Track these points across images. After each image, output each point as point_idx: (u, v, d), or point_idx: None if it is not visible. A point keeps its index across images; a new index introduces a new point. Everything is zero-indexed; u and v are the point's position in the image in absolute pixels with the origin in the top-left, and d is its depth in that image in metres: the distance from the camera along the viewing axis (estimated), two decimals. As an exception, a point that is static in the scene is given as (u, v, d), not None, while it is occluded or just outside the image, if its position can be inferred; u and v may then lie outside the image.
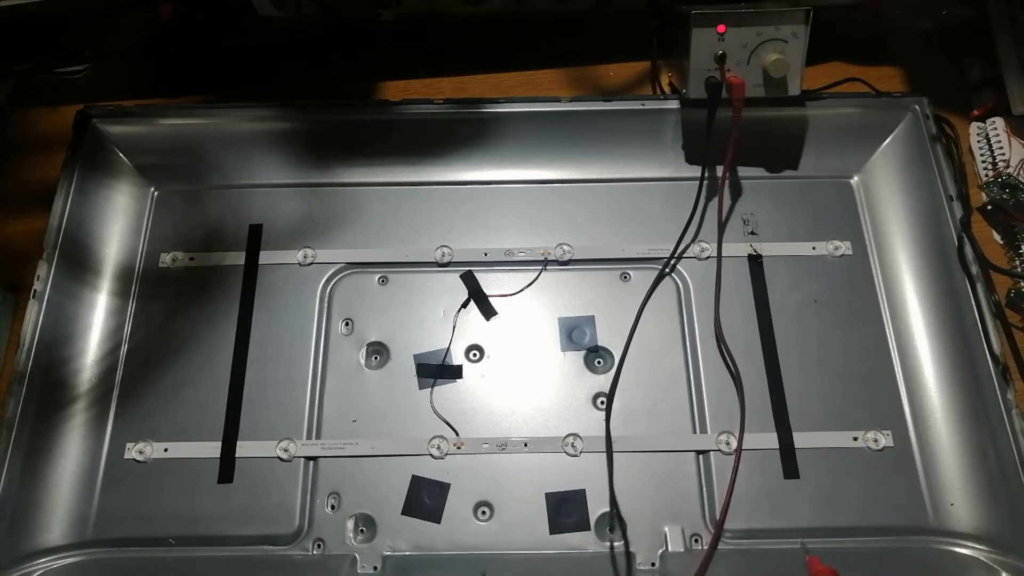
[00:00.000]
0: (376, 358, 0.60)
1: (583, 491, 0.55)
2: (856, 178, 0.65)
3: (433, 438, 0.56)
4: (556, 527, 0.54)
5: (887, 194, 0.64)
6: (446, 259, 0.62)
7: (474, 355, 0.60)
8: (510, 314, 0.61)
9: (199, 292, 0.62)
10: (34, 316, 0.57)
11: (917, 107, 0.63)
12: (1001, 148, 0.64)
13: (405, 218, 0.64)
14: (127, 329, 0.60)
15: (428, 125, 0.64)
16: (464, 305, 0.61)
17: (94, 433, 0.57)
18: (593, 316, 0.60)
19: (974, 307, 0.56)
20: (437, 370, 0.59)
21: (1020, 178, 0.62)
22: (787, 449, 0.56)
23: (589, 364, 0.59)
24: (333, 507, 0.55)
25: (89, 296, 0.61)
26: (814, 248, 0.62)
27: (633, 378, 0.58)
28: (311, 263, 0.63)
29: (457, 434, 0.57)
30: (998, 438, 0.53)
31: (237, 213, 0.65)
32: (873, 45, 0.70)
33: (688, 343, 0.59)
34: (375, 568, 0.53)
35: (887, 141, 0.64)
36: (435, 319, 0.61)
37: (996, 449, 0.53)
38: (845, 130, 0.64)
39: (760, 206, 0.64)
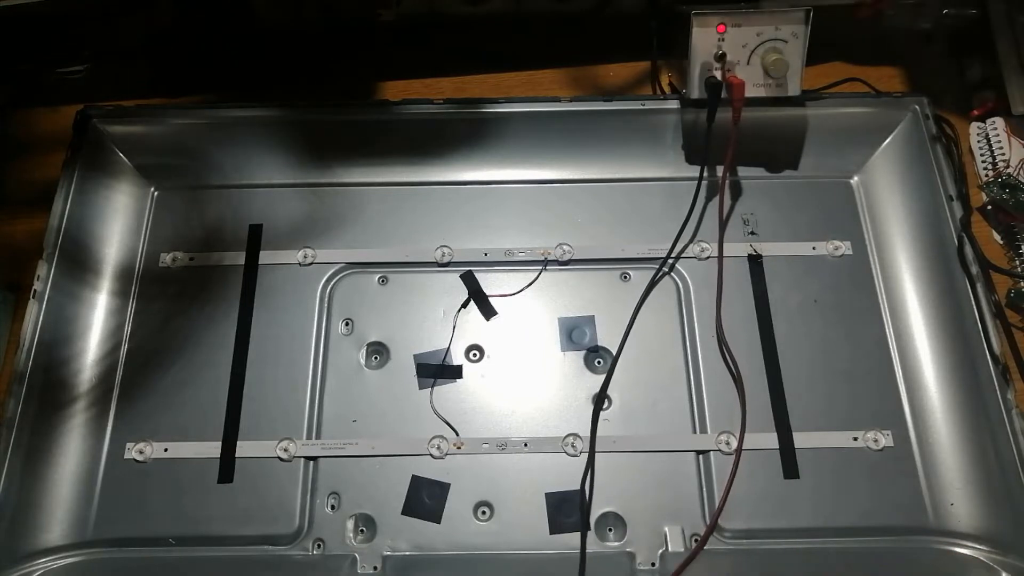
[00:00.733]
0: (376, 358, 0.60)
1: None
2: (856, 178, 0.65)
3: (433, 438, 0.56)
4: (556, 527, 0.54)
5: (887, 194, 0.64)
6: (446, 259, 0.62)
7: (474, 355, 0.60)
8: (510, 314, 0.61)
9: (199, 292, 0.62)
10: (34, 316, 0.57)
11: (917, 107, 0.63)
12: (1001, 148, 0.64)
13: (405, 218, 0.64)
14: (127, 329, 0.60)
15: (428, 125, 0.64)
16: (464, 305, 0.61)
17: (94, 433, 0.57)
18: (593, 316, 0.60)
19: (974, 307, 0.56)
20: (437, 370, 0.59)
21: (1020, 178, 0.62)
22: (787, 449, 0.56)
23: (589, 364, 0.59)
24: (333, 507, 0.55)
25: (89, 296, 0.61)
26: (814, 248, 0.62)
27: (633, 378, 0.58)
28: (311, 263, 0.63)
29: (457, 434, 0.57)
30: (998, 438, 0.53)
31: (237, 213, 0.65)
32: (873, 45, 0.71)
33: (688, 343, 0.59)
34: (375, 568, 0.53)
35: (887, 141, 0.64)
36: (435, 319, 0.61)
37: (996, 449, 0.53)
38: (845, 130, 0.64)
39: (760, 206, 0.64)
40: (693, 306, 0.60)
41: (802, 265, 0.62)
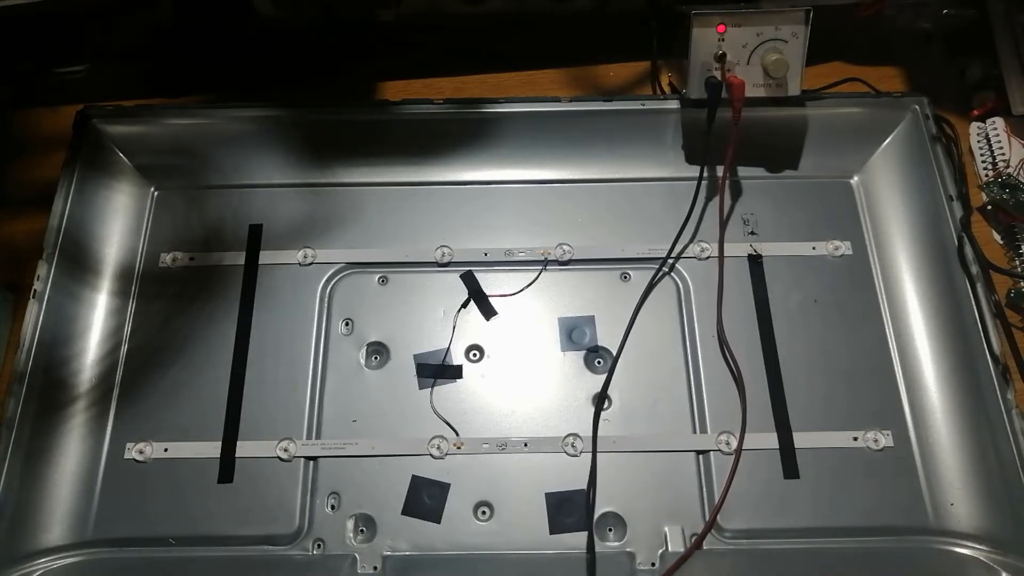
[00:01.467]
0: (376, 358, 0.60)
1: (583, 491, 0.55)
2: (856, 178, 0.65)
3: (433, 438, 0.56)
4: (556, 527, 0.54)
5: (887, 194, 0.64)
6: (446, 259, 0.62)
7: (474, 355, 0.60)
8: (510, 314, 0.61)
9: (199, 292, 0.62)
10: (34, 316, 0.57)
11: (917, 107, 0.63)
12: (1001, 148, 0.64)
13: (405, 218, 0.64)
14: (127, 329, 0.60)
15: (428, 125, 0.64)
16: (464, 305, 0.61)
17: (94, 433, 0.57)
18: (593, 316, 0.60)
19: (974, 307, 0.56)
20: (437, 370, 0.59)
21: (1020, 178, 0.62)
22: (787, 449, 0.56)
23: (589, 364, 0.59)
24: (333, 507, 0.55)
25: (89, 296, 0.61)
26: (814, 248, 0.62)
27: (633, 378, 0.58)
28: (311, 263, 0.63)
29: (457, 434, 0.57)
30: (998, 438, 0.53)
31: (237, 213, 0.65)
32: (873, 45, 0.71)
33: (688, 343, 0.59)
34: (375, 568, 0.53)
35: (887, 141, 0.64)
36: (435, 319, 0.61)
37: (996, 449, 0.53)
38: (845, 130, 0.64)
39: (760, 206, 0.64)
40: (693, 306, 0.60)
41: (802, 265, 0.62)
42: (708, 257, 0.62)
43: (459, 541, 0.54)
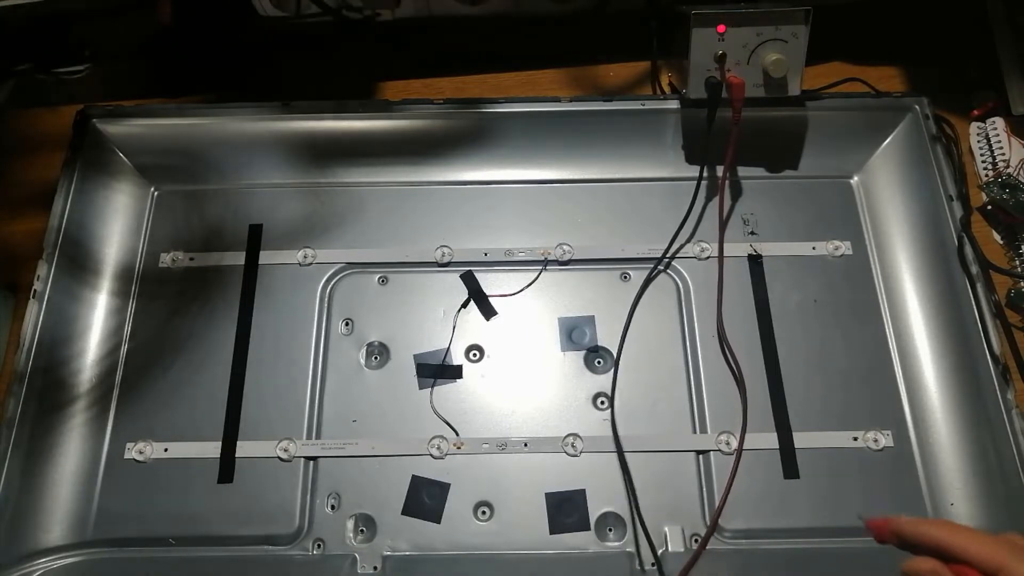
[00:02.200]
0: (376, 358, 0.60)
1: (583, 491, 0.55)
2: (856, 178, 0.65)
3: (433, 438, 0.56)
4: (556, 527, 0.54)
5: (887, 194, 0.64)
6: (446, 259, 0.62)
7: (474, 355, 0.60)
8: (510, 314, 0.61)
9: (199, 292, 0.62)
10: (34, 316, 0.57)
11: (917, 107, 0.63)
12: (1001, 148, 0.64)
13: (405, 218, 0.64)
14: (127, 329, 0.60)
15: (428, 125, 0.64)
16: (464, 305, 0.61)
17: (94, 433, 0.57)
18: (593, 316, 0.60)
19: (974, 307, 0.56)
20: (437, 370, 0.59)
21: (1020, 178, 0.62)
22: (787, 449, 0.56)
23: (589, 364, 0.59)
24: (333, 507, 0.55)
25: (89, 296, 0.61)
26: (814, 248, 0.62)
27: (633, 378, 0.58)
28: (311, 263, 0.63)
29: (457, 434, 0.57)
30: (998, 438, 0.53)
31: (237, 213, 0.65)
32: (873, 45, 0.71)
33: (688, 343, 0.59)
34: (375, 568, 0.53)
35: (887, 141, 0.64)
36: (435, 319, 0.61)
37: (996, 449, 0.53)
38: (845, 130, 0.64)
39: (760, 206, 0.64)
40: (693, 306, 0.60)
41: (802, 265, 0.62)
42: (708, 257, 0.62)
43: (459, 541, 0.54)
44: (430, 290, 0.62)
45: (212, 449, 0.56)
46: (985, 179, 0.64)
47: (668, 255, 0.61)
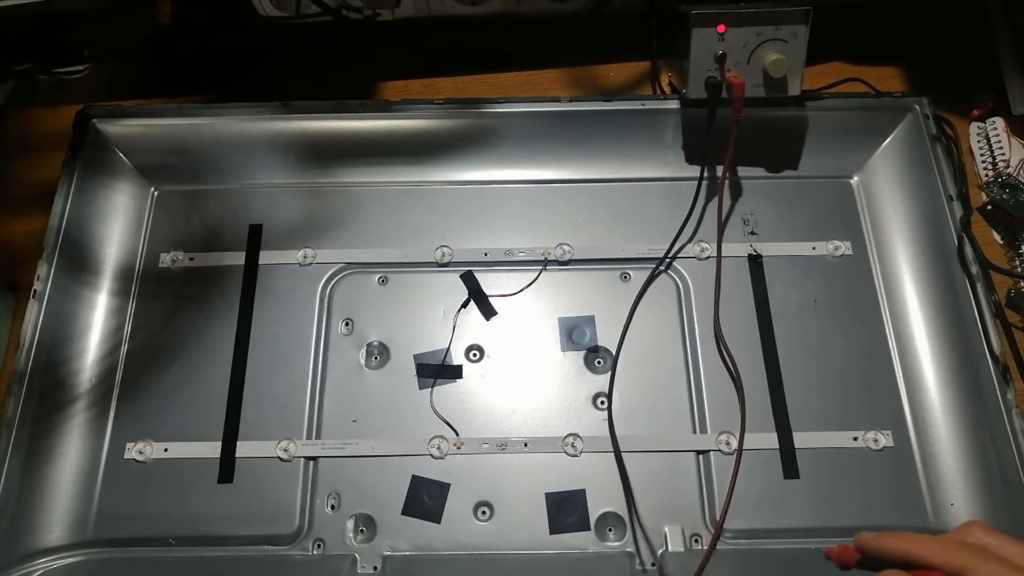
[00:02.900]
0: (376, 358, 0.60)
1: (583, 491, 0.55)
2: (856, 178, 0.65)
3: (433, 438, 0.56)
4: (556, 527, 0.54)
5: (887, 194, 0.64)
6: (446, 259, 0.62)
7: (474, 355, 0.60)
8: (510, 314, 0.61)
9: (199, 292, 0.62)
10: (34, 316, 0.57)
11: (917, 107, 0.63)
12: (1001, 148, 0.64)
13: (405, 218, 0.64)
14: (127, 329, 0.60)
15: (428, 125, 0.64)
16: (464, 305, 0.61)
17: (94, 433, 0.57)
18: (593, 316, 0.60)
19: (974, 307, 0.56)
20: (437, 370, 0.59)
21: (1020, 178, 0.62)
22: (787, 449, 0.56)
23: (589, 364, 0.59)
24: (333, 507, 0.55)
25: (89, 296, 0.61)
26: (814, 248, 0.62)
27: (633, 378, 0.58)
28: (311, 263, 0.63)
29: (457, 434, 0.57)
30: (998, 438, 0.53)
31: (237, 213, 0.65)
32: (873, 45, 0.71)
33: (688, 343, 0.59)
34: (375, 568, 0.53)
35: (887, 141, 0.64)
36: (435, 319, 0.61)
37: (996, 449, 0.53)
38: (845, 130, 0.64)
39: (760, 206, 0.64)
40: (693, 306, 0.60)
41: (802, 265, 0.62)
42: (708, 257, 0.62)
43: (459, 541, 0.54)
44: (430, 290, 0.62)
45: (212, 449, 0.56)
46: (985, 179, 0.64)
47: (668, 255, 0.61)
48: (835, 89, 0.65)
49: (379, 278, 0.62)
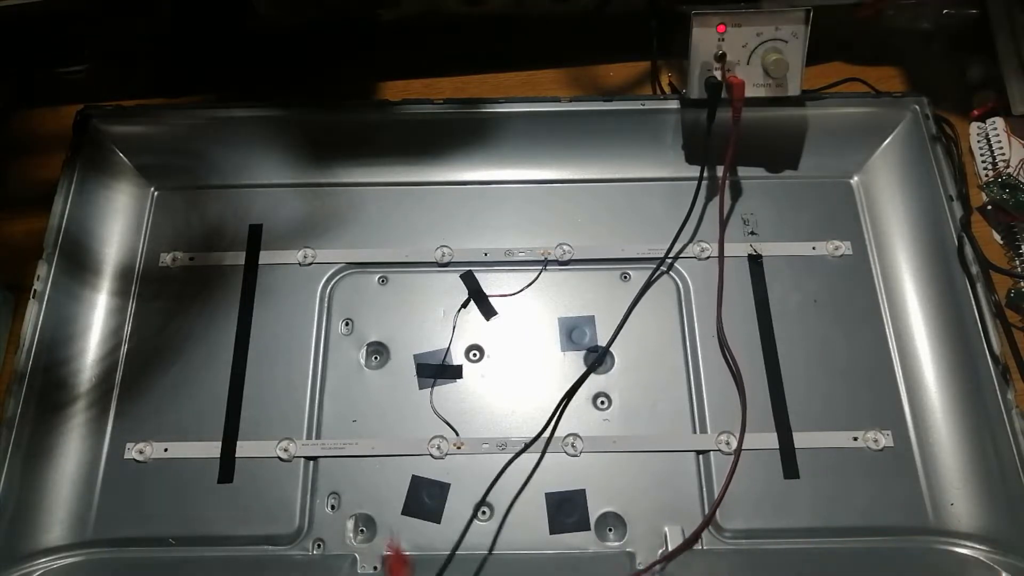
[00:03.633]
0: (376, 358, 0.60)
1: (583, 491, 0.55)
2: (856, 178, 0.65)
3: (433, 438, 0.56)
4: (556, 527, 0.54)
5: (887, 194, 0.64)
6: (446, 259, 0.62)
7: (474, 355, 0.60)
8: (510, 314, 0.61)
9: (199, 292, 0.62)
10: (34, 316, 0.57)
11: (917, 107, 0.63)
12: (1001, 148, 0.64)
13: (405, 218, 0.64)
14: (127, 329, 0.60)
15: (428, 125, 0.64)
16: (464, 305, 0.61)
17: (94, 433, 0.57)
18: (593, 316, 0.60)
19: (974, 307, 0.56)
20: (437, 370, 0.59)
21: (1020, 178, 0.62)
22: (787, 449, 0.56)
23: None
24: (333, 507, 0.55)
25: (89, 296, 0.61)
26: (814, 248, 0.62)
27: (633, 378, 0.58)
28: (311, 263, 0.63)
29: (457, 434, 0.57)
30: (998, 438, 0.53)
31: (237, 213, 0.65)
32: (873, 45, 0.71)
33: (688, 343, 0.59)
34: (375, 568, 0.53)
35: (887, 141, 0.64)
36: (435, 319, 0.61)
37: (996, 449, 0.53)
38: (845, 130, 0.64)
39: (760, 206, 0.64)
40: (693, 306, 0.60)
41: (802, 265, 0.62)
42: (708, 257, 0.62)
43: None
44: (430, 290, 0.62)
45: (212, 449, 0.56)
46: (985, 179, 0.64)
47: (668, 255, 0.61)
48: (835, 89, 0.65)
49: (379, 278, 0.62)
